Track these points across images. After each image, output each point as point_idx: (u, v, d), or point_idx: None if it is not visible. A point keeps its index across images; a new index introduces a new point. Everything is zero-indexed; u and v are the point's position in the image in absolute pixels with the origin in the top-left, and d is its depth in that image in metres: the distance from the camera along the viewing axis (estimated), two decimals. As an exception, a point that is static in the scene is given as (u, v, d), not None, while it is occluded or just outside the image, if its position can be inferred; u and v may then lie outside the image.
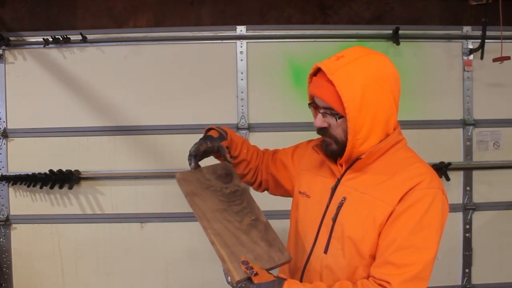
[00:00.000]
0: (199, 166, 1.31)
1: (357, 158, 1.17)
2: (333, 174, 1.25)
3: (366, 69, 1.11)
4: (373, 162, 1.18)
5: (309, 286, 1.12)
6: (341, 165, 1.23)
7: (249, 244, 1.16)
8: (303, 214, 1.31)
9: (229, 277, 1.11)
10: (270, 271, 1.13)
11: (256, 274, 1.08)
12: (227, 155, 1.35)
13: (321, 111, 1.17)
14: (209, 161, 1.34)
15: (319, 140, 1.31)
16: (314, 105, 1.21)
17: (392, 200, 1.11)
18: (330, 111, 1.14)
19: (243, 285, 1.08)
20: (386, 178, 1.15)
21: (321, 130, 1.20)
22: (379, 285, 1.07)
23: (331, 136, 1.18)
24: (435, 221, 1.09)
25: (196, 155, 1.29)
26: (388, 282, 1.06)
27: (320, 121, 1.18)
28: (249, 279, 1.08)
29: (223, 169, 1.34)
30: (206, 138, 1.34)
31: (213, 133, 1.38)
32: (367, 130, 1.13)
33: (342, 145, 1.17)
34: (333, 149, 1.20)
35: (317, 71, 1.17)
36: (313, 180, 1.31)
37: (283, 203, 1.60)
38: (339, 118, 1.14)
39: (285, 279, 1.10)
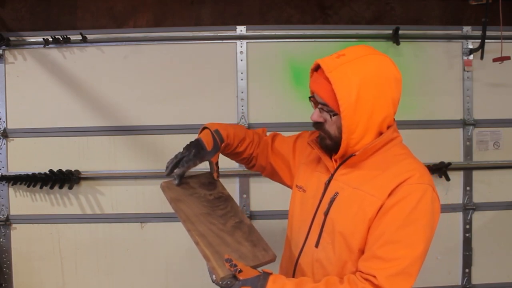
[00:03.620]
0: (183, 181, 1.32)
1: (351, 155, 1.18)
2: (328, 169, 1.26)
3: (364, 69, 1.11)
4: (366, 158, 1.19)
5: (294, 280, 1.13)
6: (335, 161, 1.25)
7: (233, 244, 1.18)
8: (299, 208, 1.33)
9: (213, 276, 1.12)
10: (257, 268, 1.14)
11: (240, 271, 1.08)
12: (215, 174, 1.36)
13: (319, 106, 1.19)
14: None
15: (316, 135, 1.32)
16: (313, 99, 1.23)
17: (381, 194, 1.12)
18: (326, 108, 1.16)
19: (228, 282, 1.09)
20: (377, 174, 1.16)
21: (317, 125, 1.23)
22: (365, 279, 1.08)
23: (325, 131, 1.20)
24: (423, 216, 1.09)
25: (183, 175, 1.29)
26: (374, 276, 1.06)
27: (316, 116, 1.20)
28: (234, 276, 1.09)
29: (207, 178, 1.37)
30: (197, 151, 1.28)
31: (207, 141, 1.32)
32: (362, 129, 1.14)
33: (335, 141, 1.19)
34: (327, 144, 1.22)
35: (318, 66, 1.18)
36: (310, 175, 1.32)
37: (283, 203, 1.60)
38: (333, 115, 1.15)
39: (270, 274, 1.11)
